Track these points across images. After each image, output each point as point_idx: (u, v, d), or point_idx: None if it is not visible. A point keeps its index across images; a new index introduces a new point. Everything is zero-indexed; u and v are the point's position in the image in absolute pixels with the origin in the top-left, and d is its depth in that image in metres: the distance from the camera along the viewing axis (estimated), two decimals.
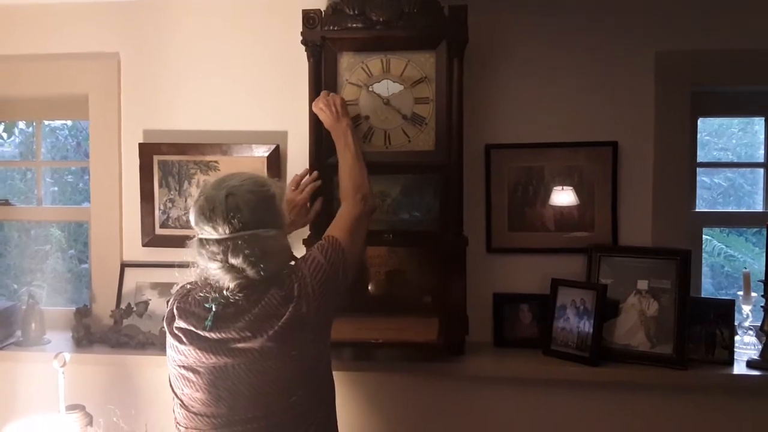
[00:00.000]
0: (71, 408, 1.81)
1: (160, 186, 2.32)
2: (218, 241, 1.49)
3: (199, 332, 1.51)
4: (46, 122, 2.72)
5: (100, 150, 2.35)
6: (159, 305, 2.30)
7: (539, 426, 2.05)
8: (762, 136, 2.30)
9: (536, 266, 2.21)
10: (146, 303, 2.29)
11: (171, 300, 1.62)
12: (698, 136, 2.27)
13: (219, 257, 1.49)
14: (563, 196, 2.20)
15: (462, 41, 2.01)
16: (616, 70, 2.17)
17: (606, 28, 2.17)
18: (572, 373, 1.99)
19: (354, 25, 2.03)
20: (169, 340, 1.57)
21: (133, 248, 2.36)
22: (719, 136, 3.42)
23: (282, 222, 1.60)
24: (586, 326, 2.02)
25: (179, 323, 1.55)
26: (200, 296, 1.54)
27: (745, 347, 2.08)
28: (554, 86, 2.19)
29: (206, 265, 1.52)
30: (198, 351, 1.51)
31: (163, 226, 2.34)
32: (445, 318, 2.03)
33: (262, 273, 1.51)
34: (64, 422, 1.77)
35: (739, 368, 1.98)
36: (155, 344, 2.18)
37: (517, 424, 2.07)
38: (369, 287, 2.15)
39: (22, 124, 3.21)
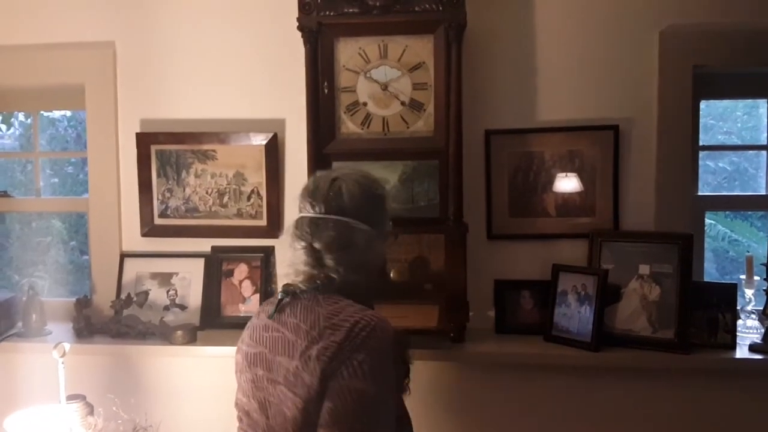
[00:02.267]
0: (72, 398, 1.81)
1: (158, 176, 2.31)
2: (311, 220, 1.45)
3: (261, 326, 1.47)
4: (46, 113, 2.71)
5: (98, 140, 2.34)
6: (159, 295, 2.30)
7: (541, 411, 2.05)
8: (765, 119, 2.27)
9: (537, 252, 2.19)
10: (146, 293, 2.28)
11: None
12: (702, 120, 2.24)
13: (306, 238, 1.44)
14: (565, 182, 2.18)
15: (460, 25, 1.98)
16: (619, 51, 2.13)
17: (608, 7, 2.13)
18: (573, 359, 1.98)
19: (350, 10, 2.01)
20: (240, 345, 1.52)
21: (133, 238, 2.35)
22: (724, 119, 3.38)
23: (382, 225, 1.52)
24: (587, 311, 2.01)
25: (252, 322, 1.52)
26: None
27: (748, 331, 2.06)
28: (555, 69, 2.16)
29: (294, 246, 1.47)
30: (251, 353, 1.46)
31: (161, 215, 2.33)
32: (445, 305, 2.02)
33: (339, 271, 1.43)
34: (64, 412, 1.77)
35: (742, 352, 1.96)
36: (155, 334, 2.18)
37: (519, 410, 2.06)
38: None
39: (21, 116, 3.20)
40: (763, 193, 2.26)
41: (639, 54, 2.12)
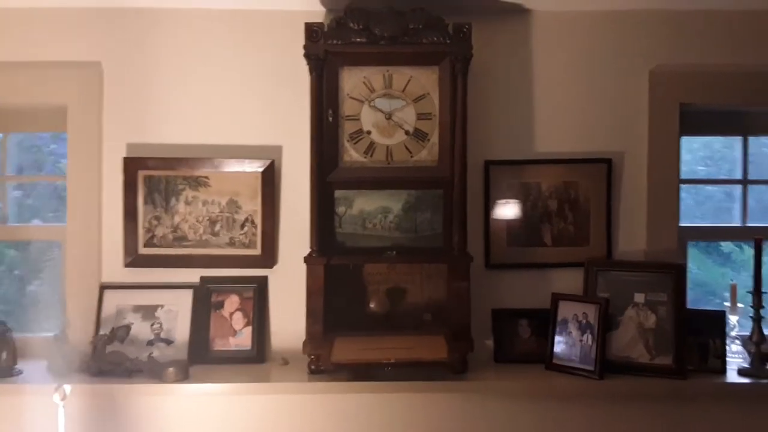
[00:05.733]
0: None
1: (145, 203, 2.20)
2: None
3: None
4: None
5: (79, 165, 2.20)
6: (142, 329, 2.16)
7: None
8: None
9: (534, 281, 2.23)
10: (128, 327, 2.14)
11: None
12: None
13: None
14: (557, 212, 2.24)
15: (467, 58, 2.01)
16: (612, 89, 2.24)
17: (602, 47, 2.24)
18: (579, 387, 2.01)
19: (358, 39, 2.01)
20: None
21: (114, 269, 2.23)
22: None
23: None
24: (589, 340, 2.05)
25: None
26: None
27: (734, 356, 2.16)
28: (552, 104, 2.24)
29: None
30: None
31: (147, 245, 2.22)
32: (451, 335, 2.01)
33: None
34: None
35: (731, 376, 2.06)
36: (143, 371, 2.04)
37: None
38: (369, 305, 2.11)
39: None
40: (739, 224, 2.39)
41: (630, 91, 2.23)
